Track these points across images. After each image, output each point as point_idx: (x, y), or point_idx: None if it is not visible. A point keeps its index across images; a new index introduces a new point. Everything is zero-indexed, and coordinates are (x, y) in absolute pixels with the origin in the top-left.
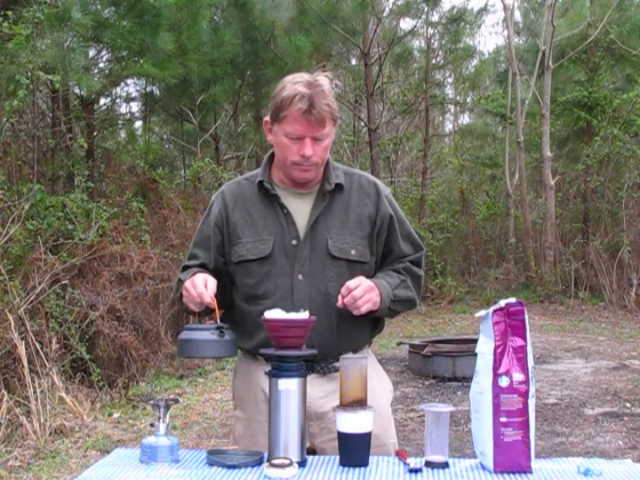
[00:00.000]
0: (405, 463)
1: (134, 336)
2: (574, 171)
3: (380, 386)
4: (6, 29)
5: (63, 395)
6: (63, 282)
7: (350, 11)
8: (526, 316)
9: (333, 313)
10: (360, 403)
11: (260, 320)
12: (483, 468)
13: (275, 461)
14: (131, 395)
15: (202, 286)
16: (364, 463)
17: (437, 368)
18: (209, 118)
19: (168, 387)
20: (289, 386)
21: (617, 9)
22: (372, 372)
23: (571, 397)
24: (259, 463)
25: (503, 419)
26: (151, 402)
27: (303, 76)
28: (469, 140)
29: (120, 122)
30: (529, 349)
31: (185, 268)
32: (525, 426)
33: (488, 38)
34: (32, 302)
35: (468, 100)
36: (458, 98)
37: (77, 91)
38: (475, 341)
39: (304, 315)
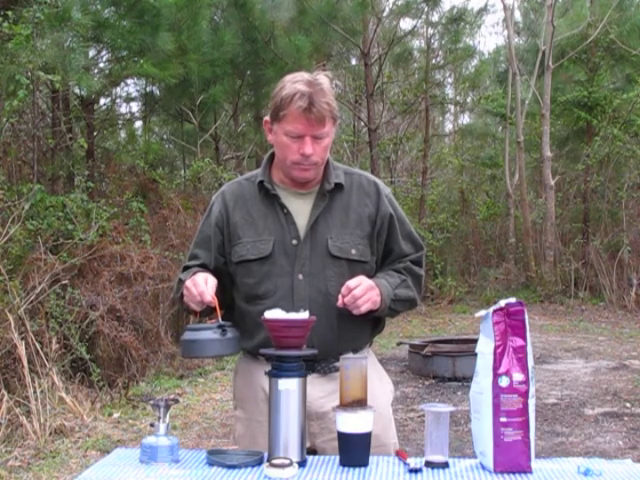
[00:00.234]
0: (405, 463)
1: (134, 336)
2: (574, 171)
3: (380, 386)
4: (6, 29)
5: (63, 395)
6: (63, 282)
7: (350, 11)
8: (526, 316)
9: (333, 313)
10: (360, 403)
11: (260, 320)
12: (483, 468)
13: (275, 461)
14: (131, 395)
15: (203, 285)
16: (364, 463)
17: (437, 368)
18: (209, 118)
19: (168, 387)
20: (289, 386)
21: (617, 9)
22: (372, 372)
23: (571, 397)
24: (259, 463)
25: (503, 419)
26: (151, 402)
27: (303, 75)
28: (469, 140)
29: (120, 122)
30: (529, 349)
31: (186, 268)
32: (525, 426)
33: (488, 38)
34: (32, 302)
35: (468, 100)
36: (458, 98)
37: (77, 91)
38: (475, 341)
39: (304, 315)
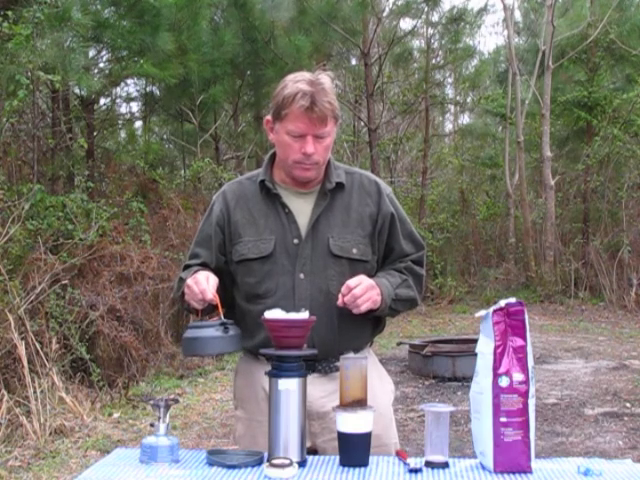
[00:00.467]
0: (405, 463)
1: (134, 336)
2: (574, 171)
3: (381, 386)
4: (6, 29)
5: (63, 395)
6: (63, 282)
7: (350, 11)
8: (526, 316)
9: (334, 312)
10: (360, 403)
11: (261, 319)
12: (483, 468)
13: (275, 461)
14: (131, 395)
15: (205, 283)
16: (364, 463)
17: (437, 368)
18: (209, 118)
19: (168, 387)
20: (289, 386)
21: (617, 9)
22: (373, 372)
23: (571, 397)
24: (259, 463)
25: (503, 419)
26: (151, 402)
27: (304, 75)
28: (469, 140)
29: (120, 122)
30: (529, 349)
31: (186, 267)
32: (525, 426)
33: (488, 38)
34: (32, 302)
35: (468, 100)
36: (458, 98)
37: (77, 91)
38: (475, 341)
39: (304, 315)
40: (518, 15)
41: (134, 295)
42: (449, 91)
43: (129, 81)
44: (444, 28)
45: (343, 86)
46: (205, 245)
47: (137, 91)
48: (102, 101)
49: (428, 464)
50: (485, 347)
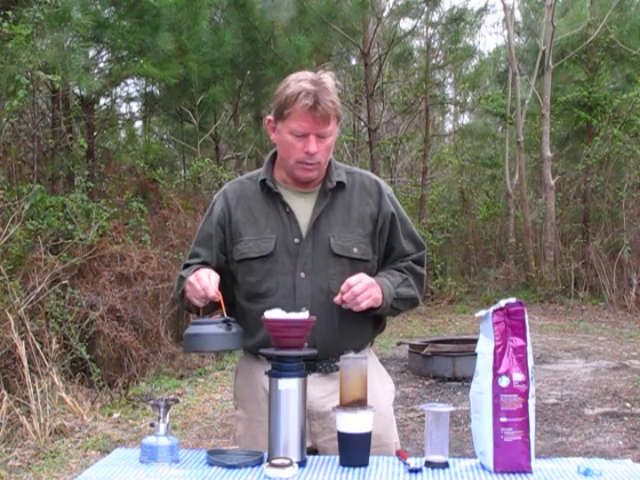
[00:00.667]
0: (405, 463)
1: (134, 336)
2: (574, 171)
3: (381, 386)
4: (6, 29)
5: (63, 395)
6: (63, 282)
7: (350, 11)
8: (526, 316)
9: (335, 311)
10: (360, 403)
11: (261, 319)
12: (483, 468)
13: (275, 461)
14: (131, 395)
15: (207, 280)
16: (364, 463)
17: (437, 368)
18: (209, 118)
19: (168, 387)
20: (289, 386)
21: (617, 9)
22: (373, 372)
23: (571, 397)
24: (259, 463)
25: (503, 419)
26: (151, 402)
27: (307, 74)
28: (469, 140)
29: (120, 122)
30: (529, 349)
31: (186, 266)
32: (525, 426)
33: (488, 38)
34: (32, 302)
35: (468, 100)
36: (458, 98)
37: (77, 91)
38: (475, 341)
39: (304, 315)
40: (518, 15)
41: (134, 295)
42: (449, 91)
43: (129, 81)
44: (444, 28)
45: (343, 86)
46: (206, 244)
47: (137, 91)
48: (102, 101)
49: (428, 464)
50: (485, 347)
